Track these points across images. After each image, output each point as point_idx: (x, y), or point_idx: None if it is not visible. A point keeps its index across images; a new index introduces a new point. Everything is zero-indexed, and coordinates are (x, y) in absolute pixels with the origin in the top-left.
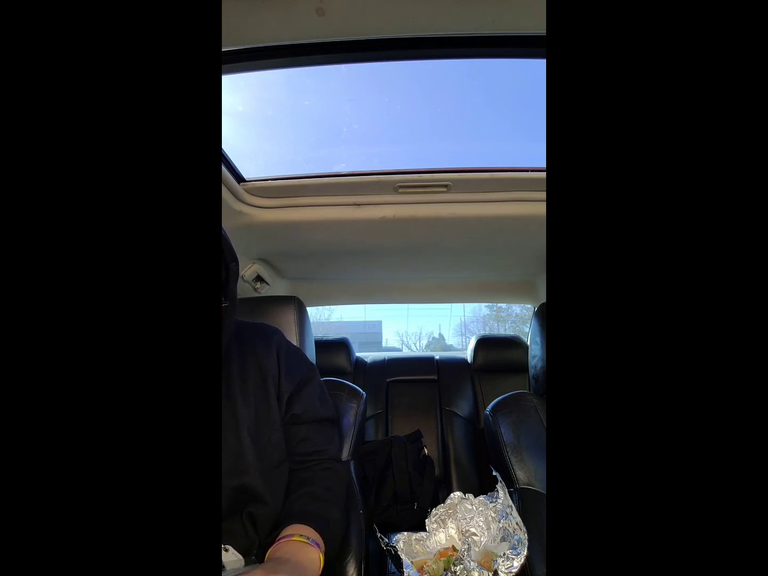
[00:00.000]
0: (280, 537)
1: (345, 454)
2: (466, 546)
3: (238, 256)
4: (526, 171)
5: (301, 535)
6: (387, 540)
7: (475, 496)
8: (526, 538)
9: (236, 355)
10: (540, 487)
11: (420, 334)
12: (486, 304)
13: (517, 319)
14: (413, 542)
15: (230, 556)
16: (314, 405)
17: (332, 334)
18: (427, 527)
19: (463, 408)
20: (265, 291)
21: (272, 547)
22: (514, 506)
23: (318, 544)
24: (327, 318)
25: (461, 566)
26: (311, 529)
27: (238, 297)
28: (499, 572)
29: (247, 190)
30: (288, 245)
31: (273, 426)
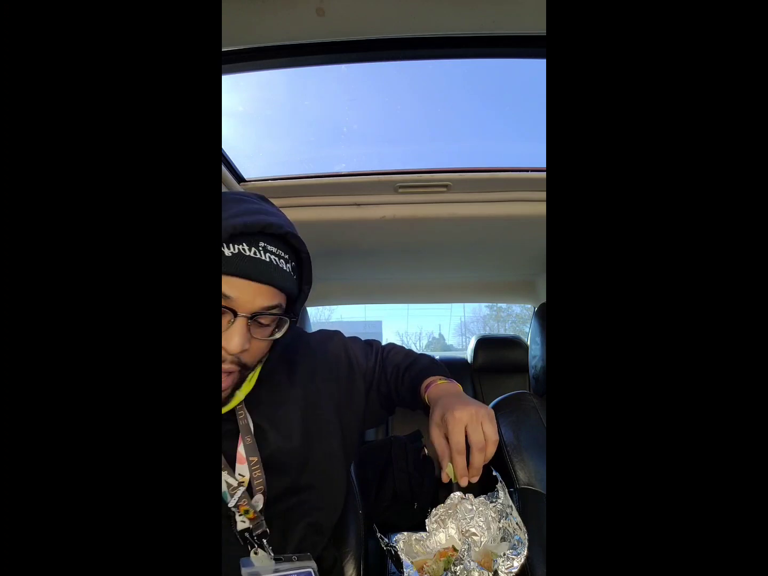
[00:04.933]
0: (426, 385)
1: None
2: (466, 546)
3: None
4: (526, 171)
5: (441, 379)
6: (387, 540)
7: (475, 496)
8: (527, 538)
9: (287, 360)
10: (540, 487)
11: (420, 334)
12: (486, 304)
13: (517, 319)
14: (413, 542)
15: (262, 559)
16: (367, 364)
17: None
18: (427, 527)
19: None
20: None
21: (429, 392)
22: (514, 506)
23: (453, 380)
24: (327, 318)
25: (461, 566)
26: (437, 376)
27: None
28: (500, 572)
29: (247, 190)
30: None
31: (323, 420)
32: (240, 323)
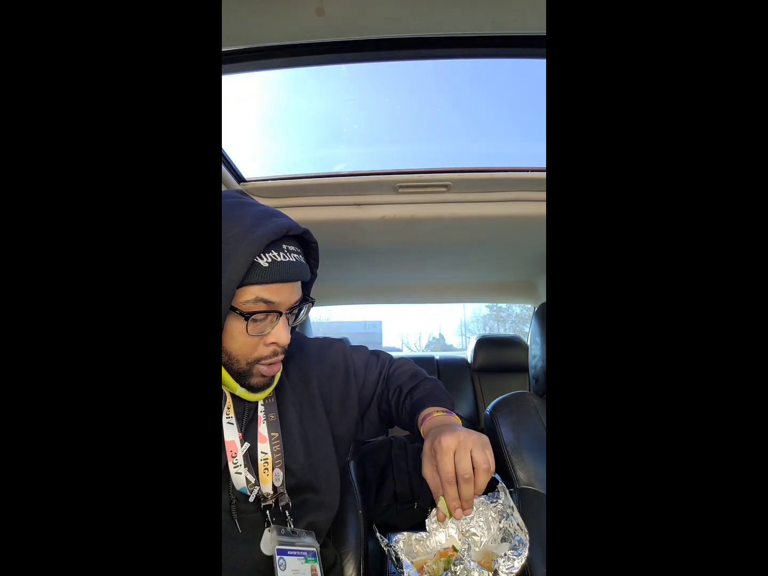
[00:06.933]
0: (423, 417)
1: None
2: (466, 546)
3: None
4: (526, 171)
5: (438, 411)
6: (387, 540)
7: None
8: (527, 538)
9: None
10: (540, 487)
11: (420, 334)
12: (486, 304)
13: (517, 319)
14: (413, 542)
15: (271, 534)
16: (367, 376)
17: (332, 334)
18: (427, 527)
19: (463, 408)
20: None
21: (424, 425)
22: (515, 507)
23: (452, 412)
24: (327, 318)
25: (461, 566)
26: (436, 406)
27: None
28: (500, 572)
29: (247, 190)
30: None
31: (320, 425)
32: (283, 320)
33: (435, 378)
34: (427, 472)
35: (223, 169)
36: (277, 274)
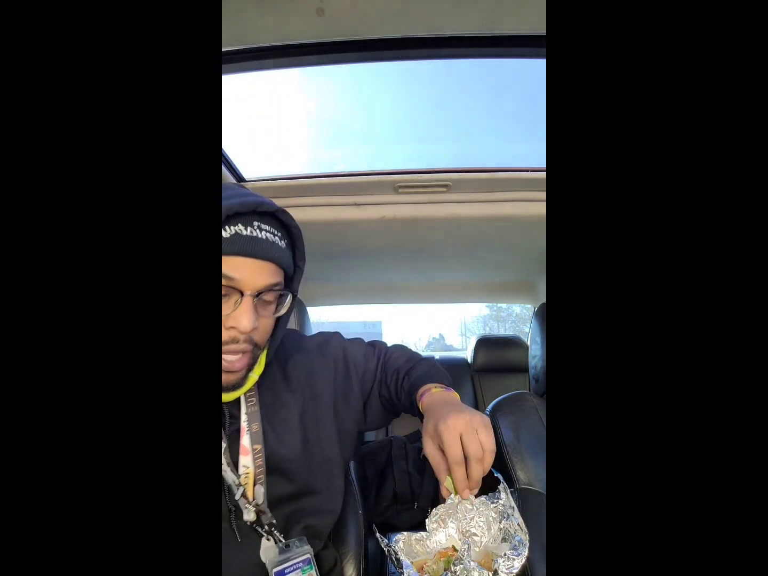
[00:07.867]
0: (421, 393)
1: None
2: (465, 546)
3: None
4: (526, 171)
5: (436, 386)
6: (386, 540)
7: (476, 496)
8: (528, 538)
9: (285, 360)
10: (540, 487)
11: (420, 334)
12: (486, 304)
13: (517, 319)
14: (413, 542)
15: (270, 547)
16: (367, 366)
17: None
18: (427, 527)
19: None
20: None
21: (423, 400)
22: (516, 507)
23: (450, 388)
24: (327, 318)
25: (461, 566)
26: (434, 383)
27: None
28: (500, 572)
29: None
30: None
31: (321, 425)
32: (247, 302)
33: (431, 358)
34: (429, 449)
35: (223, 169)
36: (238, 247)
